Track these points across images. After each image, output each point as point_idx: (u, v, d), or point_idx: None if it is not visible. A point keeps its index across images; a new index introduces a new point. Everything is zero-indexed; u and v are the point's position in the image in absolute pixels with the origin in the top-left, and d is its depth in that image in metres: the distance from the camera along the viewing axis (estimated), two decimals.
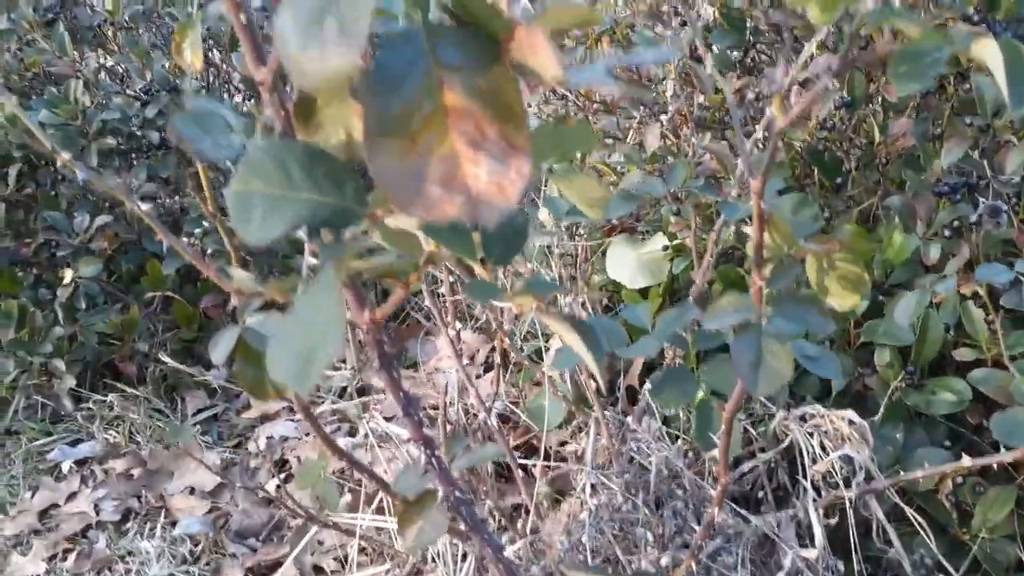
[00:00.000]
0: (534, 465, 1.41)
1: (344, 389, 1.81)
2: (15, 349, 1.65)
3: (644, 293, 1.45)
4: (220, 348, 0.55)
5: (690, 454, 1.03)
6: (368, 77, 0.28)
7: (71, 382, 1.71)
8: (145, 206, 0.60)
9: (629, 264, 1.09)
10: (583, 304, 1.48)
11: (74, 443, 1.76)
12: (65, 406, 1.76)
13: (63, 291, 1.65)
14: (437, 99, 0.29)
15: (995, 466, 0.83)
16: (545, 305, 0.39)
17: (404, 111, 0.28)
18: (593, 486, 0.87)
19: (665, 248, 1.07)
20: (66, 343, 1.71)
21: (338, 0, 0.28)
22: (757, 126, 0.98)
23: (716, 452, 0.69)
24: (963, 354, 0.98)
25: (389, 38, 0.28)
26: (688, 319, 0.80)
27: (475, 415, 1.13)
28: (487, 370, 1.82)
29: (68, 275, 1.62)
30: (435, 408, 1.73)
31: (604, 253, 1.53)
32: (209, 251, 1.74)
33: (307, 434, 1.70)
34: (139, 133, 1.71)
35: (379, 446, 1.17)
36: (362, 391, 1.66)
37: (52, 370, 1.72)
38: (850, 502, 0.93)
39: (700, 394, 0.84)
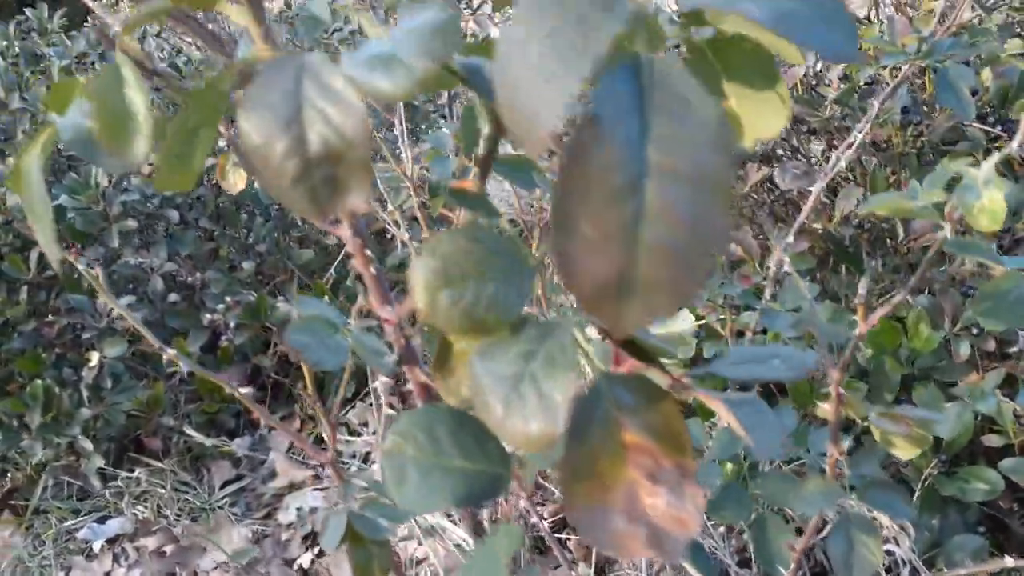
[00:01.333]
0: (568, 538, 1.44)
1: (368, 455, 1.83)
2: (43, 433, 1.66)
3: None
4: (330, 534, 0.58)
5: (733, 541, 1.06)
6: (563, 435, 0.31)
7: (99, 461, 1.72)
8: (244, 390, 0.62)
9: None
10: None
11: (102, 520, 1.77)
12: (93, 484, 1.77)
13: (89, 372, 1.66)
14: (617, 438, 0.32)
15: None
16: None
17: (592, 455, 0.32)
18: None
19: (697, 336, 1.11)
20: (92, 422, 1.72)
21: (535, 365, 0.31)
22: (790, 231, 1.01)
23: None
24: (992, 440, 1.02)
25: (576, 397, 0.31)
26: (744, 443, 0.84)
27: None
28: None
29: (94, 358, 1.64)
30: None
31: None
32: (232, 324, 1.76)
33: (335, 504, 1.72)
34: (158, 212, 1.72)
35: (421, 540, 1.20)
36: None
37: (79, 449, 1.73)
38: None
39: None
